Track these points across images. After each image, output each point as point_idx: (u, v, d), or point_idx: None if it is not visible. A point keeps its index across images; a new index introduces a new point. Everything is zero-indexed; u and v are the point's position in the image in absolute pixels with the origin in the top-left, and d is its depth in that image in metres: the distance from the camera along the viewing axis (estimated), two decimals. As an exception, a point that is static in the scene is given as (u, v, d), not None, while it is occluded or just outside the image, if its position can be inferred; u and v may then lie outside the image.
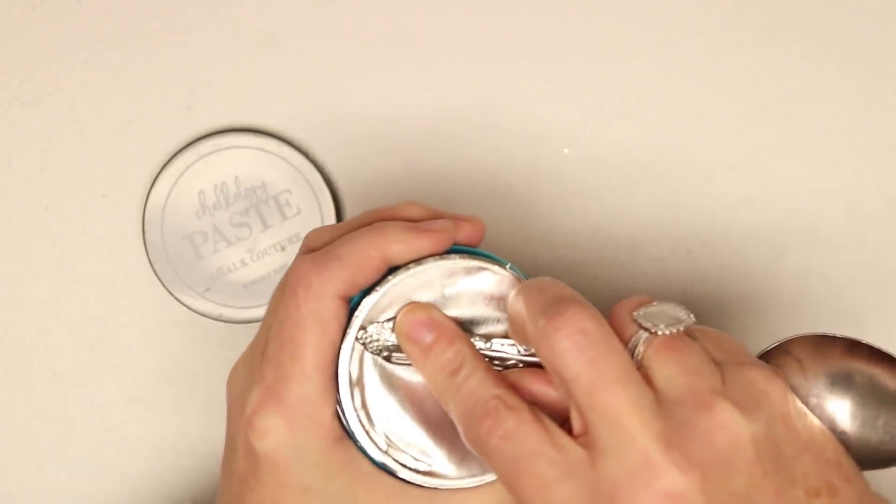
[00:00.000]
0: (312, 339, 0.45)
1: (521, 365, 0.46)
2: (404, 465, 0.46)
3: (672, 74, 0.61)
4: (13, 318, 0.61)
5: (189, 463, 0.62)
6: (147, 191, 0.60)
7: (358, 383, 0.46)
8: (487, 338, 0.46)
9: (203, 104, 0.60)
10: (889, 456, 0.45)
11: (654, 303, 0.45)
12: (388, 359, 0.46)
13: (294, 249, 0.60)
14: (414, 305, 0.46)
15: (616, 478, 0.40)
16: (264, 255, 0.60)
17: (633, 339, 0.43)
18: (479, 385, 0.44)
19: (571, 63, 0.61)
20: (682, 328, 0.43)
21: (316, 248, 0.48)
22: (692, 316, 0.44)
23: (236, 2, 0.60)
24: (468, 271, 0.46)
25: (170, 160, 0.60)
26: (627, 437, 0.41)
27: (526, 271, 0.48)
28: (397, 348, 0.46)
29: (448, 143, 0.61)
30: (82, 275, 0.61)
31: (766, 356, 0.46)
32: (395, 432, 0.46)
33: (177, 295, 0.60)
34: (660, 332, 0.43)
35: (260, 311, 0.60)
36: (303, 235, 0.49)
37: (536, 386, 0.45)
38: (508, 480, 0.42)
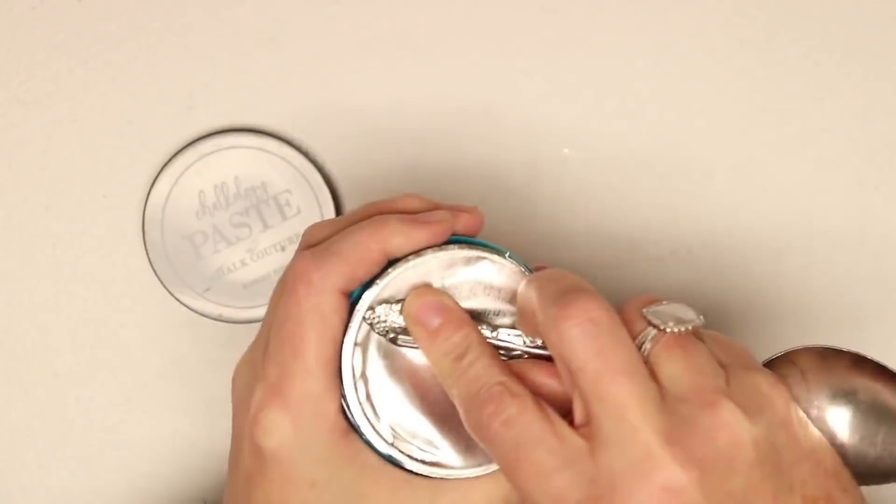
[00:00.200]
0: (314, 335, 0.45)
1: (525, 356, 0.46)
2: (411, 457, 0.46)
3: (672, 74, 0.61)
4: (13, 318, 0.61)
5: (189, 463, 0.62)
6: (147, 191, 0.60)
7: (362, 376, 0.46)
8: (494, 327, 0.46)
9: (203, 104, 0.60)
10: (886, 471, 0.45)
11: (664, 302, 0.45)
12: (394, 341, 0.46)
13: (294, 249, 0.60)
14: (424, 289, 0.46)
15: (615, 469, 0.41)
16: (264, 255, 0.60)
17: (642, 336, 0.43)
18: (483, 371, 0.44)
19: (571, 63, 0.61)
20: (690, 328, 0.43)
21: (315, 243, 0.48)
22: (701, 317, 0.44)
23: (236, 2, 0.60)
24: (467, 261, 0.46)
25: (170, 160, 0.60)
26: (630, 429, 0.41)
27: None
28: (404, 331, 0.46)
29: (448, 143, 0.61)
30: (82, 275, 0.61)
31: (771, 365, 0.46)
32: (401, 424, 0.46)
33: (177, 295, 0.60)
34: (668, 330, 0.43)
35: (260, 311, 0.60)
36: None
37: (540, 377, 0.45)
38: (508, 467, 0.42)
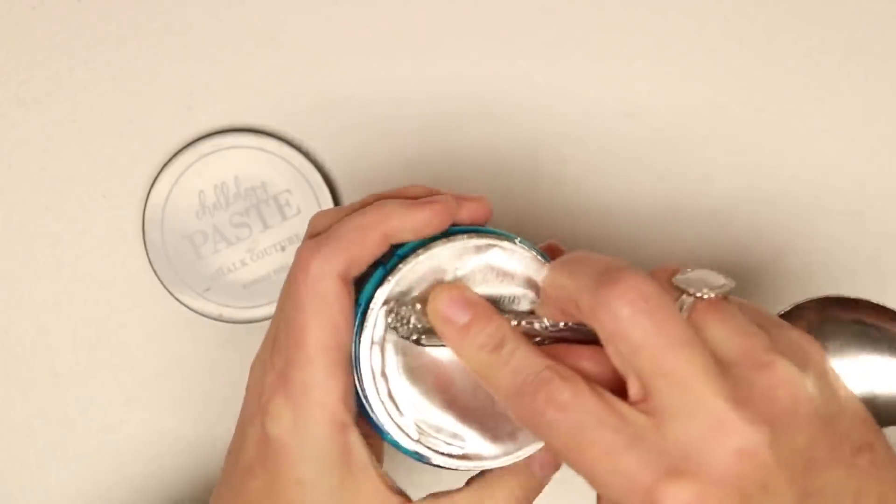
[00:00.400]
0: (316, 323, 0.45)
1: (547, 341, 0.45)
2: (438, 451, 0.46)
3: (672, 74, 0.61)
4: (13, 318, 0.61)
5: (189, 463, 0.62)
6: (147, 191, 0.60)
7: (382, 375, 0.45)
8: (515, 314, 0.45)
9: (203, 104, 0.60)
10: (890, 416, 0.46)
11: (689, 269, 0.44)
12: (417, 342, 0.46)
13: (294, 249, 0.60)
14: (444, 286, 0.45)
15: (686, 440, 0.40)
16: (264, 255, 0.60)
17: (677, 304, 0.43)
18: (526, 358, 0.43)
19: (571, 63, 0.61)
20: (724, 291, 0.43)
21: (318, 232, 0.47)
22: (731, 280, 0.44)
23: (236, 2, 0.60)
24: (477, 249, 0.46)
25: (170, 160, 0.60)
26: (696, 399, 0.40)
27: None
28: (427, 330, 0.45)
29: (448, 143, 0.61)
30: (82, 275, 0.61)
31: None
32: (425, 419, 0.46)
33: (177, 295, 0.60)
34: (705, 296, 0.43)
35: (260, 311, 0.60)
36: (303, 236, 0.49)
37: (574, 360, 0.44)
38: (570, 451, 0.42)
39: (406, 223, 0.46)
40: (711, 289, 0.43)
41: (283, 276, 0.47)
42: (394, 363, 0.46)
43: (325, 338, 0.45)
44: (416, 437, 0.46)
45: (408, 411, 0.46)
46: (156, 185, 0.60)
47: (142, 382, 0.61)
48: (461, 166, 0.61)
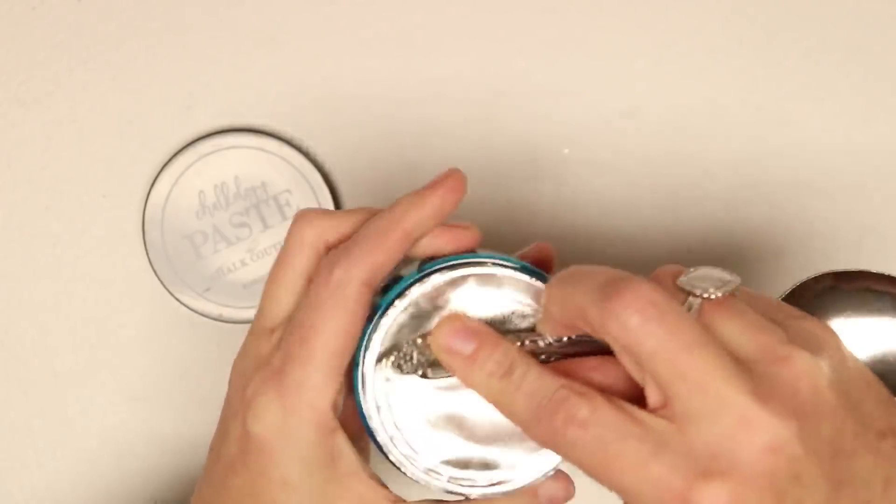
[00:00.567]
0: (330, 325, 0.45)
1: (553, 357, 0.45)
2: (473, 485, 0.46)
3: (672, 74, 0.61)
4: (13, 318, 0.61)
5: (189, 462, 0.62)
6: (147, 191, 0.60)
7: (387, 406, 0.45)
8: (516, 334, 0.45)
9: (203, 104, 0.60)
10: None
11: (691, 269, 0.44)
12: (424, 375, 0.45)
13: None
14: (445, 319, 0.45)
15: (713, 440, 0.40)
16: (264, 255, 0.60)
17: (685, 306, 0.43)
18: (538, 380, 0.43)
19: (571, 63, 0.61)
20: (731, 289, 0.43)
21: (315, 240, 0.47)
22: (737, 276, 0.44)
23: (236, 2, 0.60)
24: (467, 277, 0.45)
25: (170, 160, 0.60)
26: (718, 398, 0.40)
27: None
28: (432, 363, 0.45)
29: (448, 143, 0.61)
30: (82, 275, 0.61)
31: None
32: (450, 458, 0.45)
33: (177, 295, 0.60)
34: (712, 296, 0.43)
35: (260, 311, 0.60)
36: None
37: (584, 374, 0.44)
38: (596, 467, 0.41)
39: (423, 212, 0.46)
40: (717, 288, 0.43)
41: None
42: (397, 395, 0.45)
43: (333, 342, 0.45)
44: (426, 468, 0.45)
45: (429, 457, 0.45)
46: (156, 185, 0.60)
47: (142, 382, 0.61)
48: (461, 166, 0.61)
